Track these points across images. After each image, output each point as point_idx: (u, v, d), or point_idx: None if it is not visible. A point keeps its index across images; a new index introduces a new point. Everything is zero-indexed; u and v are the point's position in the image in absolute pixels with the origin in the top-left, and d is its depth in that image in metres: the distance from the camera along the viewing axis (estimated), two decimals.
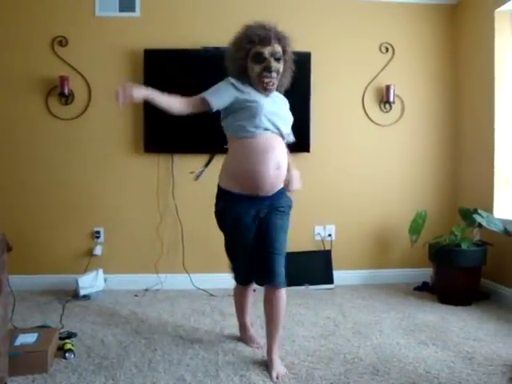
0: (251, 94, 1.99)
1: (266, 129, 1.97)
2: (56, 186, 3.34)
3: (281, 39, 2.00)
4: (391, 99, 3.47)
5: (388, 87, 3.46)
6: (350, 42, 3.50)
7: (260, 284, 2.11)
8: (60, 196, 3.34)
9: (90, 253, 3.34)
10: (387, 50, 3.53)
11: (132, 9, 3.36)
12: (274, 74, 1.98)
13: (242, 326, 2.37)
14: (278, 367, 1.99)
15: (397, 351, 2.22)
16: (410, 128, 3.57)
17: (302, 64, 3.33)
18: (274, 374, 1.95)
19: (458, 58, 3.55)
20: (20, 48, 3.29)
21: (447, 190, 3.60)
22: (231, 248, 2.13)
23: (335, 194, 3.52)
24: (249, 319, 2.37)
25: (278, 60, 1.98)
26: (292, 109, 2.15)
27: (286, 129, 2.08)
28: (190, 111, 1.95)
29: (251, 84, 2.02)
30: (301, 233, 3.48)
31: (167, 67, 3.29)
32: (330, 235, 3.52)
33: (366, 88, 3.52)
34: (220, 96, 1.96)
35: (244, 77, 2.02)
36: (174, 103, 1.89)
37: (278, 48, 1.98)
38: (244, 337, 2.35)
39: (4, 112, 3.31)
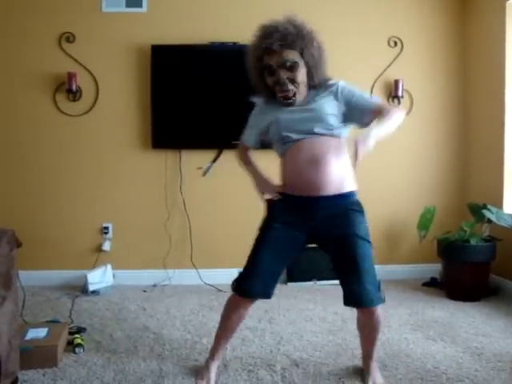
0: (271, 111, 1.83)
1: (293, 140, 1.75)
2: (64, 182, 3.36)
3: (291, 42, 1.72)
4: (400, 94, 3.43)
5: (396, 82, 3.43)
6: (358, 36, 3.47)
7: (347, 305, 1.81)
8: (68, 192, 3.36)
9: (98, 248, 3.36)
10: (396, 44, 3.49)
11: (139, 4, 3.35)
12: (286, 87, 1.74)
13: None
14: (377, 377, 1.89)
15: (405, 347, 2.22)
16: (418, 123, 3.54)
17: None
18: (371, 382, 1.87)
19: (468, 51, 3.51)
20: (27, 44, 3.30)
21: (456, 185, 3.57)
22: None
23: None
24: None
25: (289, 69, 1.74)
26: None
27: (326, 123, 1.77)
28: (248, 155, 2.00)
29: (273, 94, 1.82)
30: None
31: (175, 63, 3.29)
32: None
33: (375, 82, 3.49)
34: (249, 133, 1.95)
35: (264, 86, 1.83)
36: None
37: (288, 55, 1.73)
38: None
39: (12, 108, 3.32)
